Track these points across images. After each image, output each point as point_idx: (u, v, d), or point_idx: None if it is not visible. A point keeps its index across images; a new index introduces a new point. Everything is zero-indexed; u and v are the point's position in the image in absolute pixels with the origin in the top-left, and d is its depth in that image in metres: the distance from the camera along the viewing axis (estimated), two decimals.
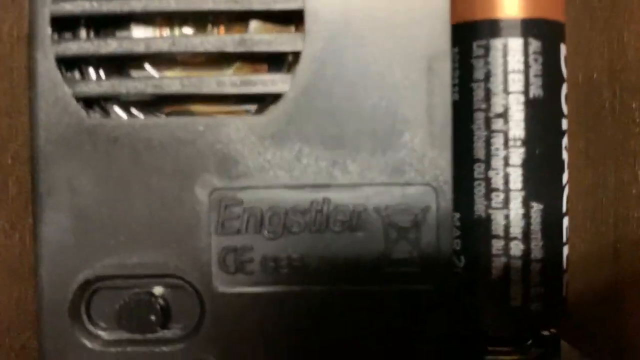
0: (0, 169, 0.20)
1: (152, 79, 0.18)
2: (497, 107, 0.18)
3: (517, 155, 0.18)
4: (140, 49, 0.17)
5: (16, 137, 0.21)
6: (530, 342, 0.20)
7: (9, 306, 0.21)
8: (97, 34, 0.18)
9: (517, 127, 0.18)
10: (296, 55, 0.17)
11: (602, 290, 0.24)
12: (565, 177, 0.19)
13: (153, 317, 0.18)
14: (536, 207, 0.18)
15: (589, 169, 0.25)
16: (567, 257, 0.19)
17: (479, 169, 0.18)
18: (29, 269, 0.22)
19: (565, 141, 0.19)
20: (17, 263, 0.21)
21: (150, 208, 0.17)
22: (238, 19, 0.18)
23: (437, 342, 0.17)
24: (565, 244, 0.19)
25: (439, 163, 0.17)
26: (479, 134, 0.18)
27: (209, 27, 0.18)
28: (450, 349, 0.17)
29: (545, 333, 0.20)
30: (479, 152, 0.18)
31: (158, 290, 0.18)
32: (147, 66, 0.18)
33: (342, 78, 0.17)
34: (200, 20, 0.18)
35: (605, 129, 0.23)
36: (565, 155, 0.19)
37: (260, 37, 0.17)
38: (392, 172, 0.17)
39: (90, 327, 0.18)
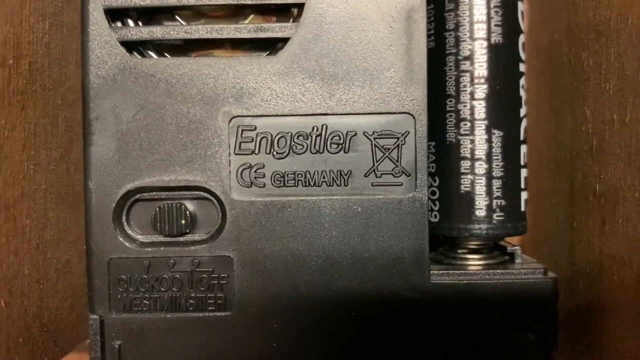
0: (52, 108, 0.24)
1: (183, 26, 0.22)
2: (465, 51, 0.22)
3: (481, 90, 0.22)
4: (173, 1, 0.21)
5: (65, 82, 0.25)
6: (494, 250, 0.23)
7: (57, 225, 0.24)
8: None
9: (480, 67, 0.22)
10: (300, 7, 0.21)
11: (560, 216, 0.28)
12: (522, 111, 0.23)
13: (183, 222, 0.21)
14: (497, 134, 0.22)
15: (552, 117, 0.29)
16: (526, 178, 0.23)
17: (450, 103, 0.22)
18: (73, 196, 0.26)
19: (522, 81, 0.23)
20: (64, 189, 0.25)
21: (181, 132, 0.21)
22: None
23: (417, 236, 0.21)
24: (523, 167, 0.23)
25: (417, 95, 0.21)
26: (450, 73, 0.22)
27: None
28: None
29: (508, 247, 0.24)
30: (450, 88, 0.22)
31: (187, 201, 0.22)
32: (177, 18, 0.22)
33: (337, 26, 0.21)
34: None
35: (563, 80, 0.27)
36: (522, 93, 0.23)
37: None
38: (378, 103, 0.21)
39: (130, 232, 0.22)
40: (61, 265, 0.24)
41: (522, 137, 0.23)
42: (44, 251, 0.23)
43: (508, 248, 0.24)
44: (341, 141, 0.21)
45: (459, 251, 0.23)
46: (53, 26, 0.24)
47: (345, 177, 0.21)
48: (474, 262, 0.23)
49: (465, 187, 0.22)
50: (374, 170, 0.21)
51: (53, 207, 0.24)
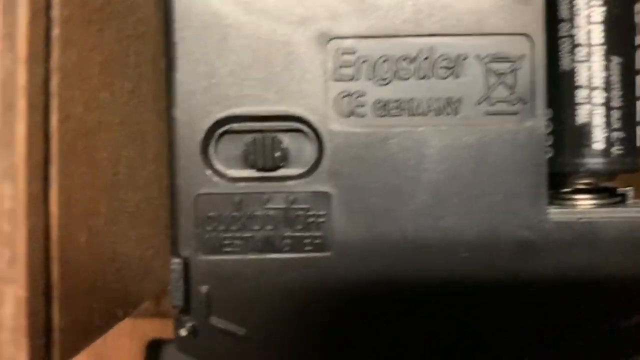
0: (125, 37, 0.22)
1: None
2: None
3: (598, 13, 0.20)
4: None
5: (135, 11, 0.23)
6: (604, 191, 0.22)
7: (128, 165, 0.23)
8: None
9: None
10: None
11: None
12: (637, 40, 0.21)
13: (277, 154, 0.20)
14: (615, 61, 0.20)
15: None
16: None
17: (564, 27, 0.20)
18: (142, 138, 0.24)
19: (638, 7, 0.21)
20: (134, 127, 0.23)
21: (274, 56, 0.19)
22: None
23: (534, 170, 0.19)
24: (638, 99, 0.21)
25: (534, 15, 0.19)
26: None
27: None
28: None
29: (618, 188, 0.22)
30: (564, 12, 0.20)
31: (280, 133, 0.20)
32: None
33: None
34: None
35: None
36: (637, 19, 0.21)
37: None
38: (492, 23, 0.19)
39: (219, 166, 0.20)
40: (131, 209, 0.22)
41: (636, 67, 0.21)
42: (117, 191, 0.21)
43: (618, 189, 0.22)
44: (450, 65, 0.20)
45: (569, 190, 0.21)
46: None
47: (455, 105, 0.20)
48: (586, 202, 0.21)
49: (581, 118, 0.20)
50: (487, 97, 0.20)
51: (125, 144, 0.22)
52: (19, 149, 0.15)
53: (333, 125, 0.19)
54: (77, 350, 0.18)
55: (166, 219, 0.28)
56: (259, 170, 0.20)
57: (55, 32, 0.16)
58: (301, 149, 0.20)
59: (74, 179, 0.18)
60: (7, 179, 0.15)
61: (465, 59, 0.19)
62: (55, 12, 0.16)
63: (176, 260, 0.20)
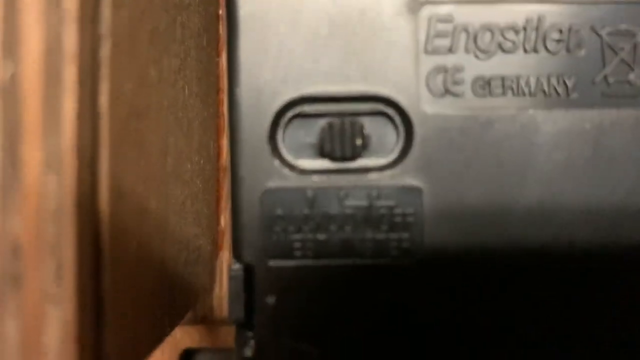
0: (172, 7, 0.19)
1: None
2: None
3: None
4: None
5: None
6: None
7: (175, 156, 0.20)
8: None
9: None
10: None
11: None
12: None
13: (359, 142, 0.17)
14: None
15: None
16: None
17: None
18: (187, 123, 0.21)
19: None
20: (180, 112, 0.20)
21: (353, 26, 0.16)
22: None
23: None
24: None
25: None
26: None
27: None
28: None
29: None
30: None
31: (361, 117, 0.17)
32: None
33: None
34: None
35: None
36: None
37: None
38: None
39: (289, 156, 0.17)
40: (178, 207, 0.19)
41: None
42: (165, 185, 0.18)
43: None
44: (563, 37, 0.16)
45: None
46: None
47: (568, 85, 0.17)
48: None
49: None
50: (605, 76, 0.17)
51: (172, 131, 0.19)
52: (66, 131, 0.12)
53: (425, 106, 0.16)
54: None
55: (207, 216, 0.25)
56: (336, 160, 0.17)
57: None
58: (386, 135, 0.17)
59: (125, 171, 0.15)
60: (51, 170, 0.12)
61: (579, 30, 0.16)
62: None
63: (237, 266, 0.17)
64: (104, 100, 0.13)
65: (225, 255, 0.26)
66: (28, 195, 0.12)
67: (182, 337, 0.28)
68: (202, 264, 0.23)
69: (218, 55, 0.26)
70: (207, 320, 0.27)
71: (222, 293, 0.26)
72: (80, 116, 0.12)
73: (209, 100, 0.24)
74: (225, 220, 0.26)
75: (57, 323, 0.12)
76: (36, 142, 0.12)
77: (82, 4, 0.12)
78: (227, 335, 0.28)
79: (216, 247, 0.26)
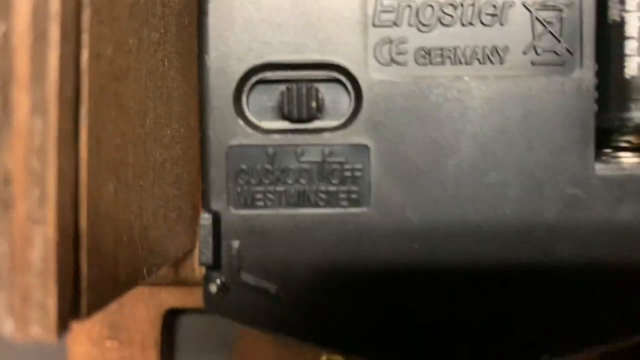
0: None
1: None
2: None
3: None
4: None
5: None
6: None
7: (155, 120, 0.22)
8: None
9: None
10: None
11: None
12: None
13: (314, 104, 0.19)
14: None
15: None
16: None
17: None
18: (167, 93, 0.23)
19: None
20: (160, 81, 0.22)
21: (313, 3, 0.18)
22: None
23: (581, 123, 0.19)
24: None
25: None
26: None
27: None
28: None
29: None
30: None
31: (317, 83, 0.19)
32: None
33: None
34: None
35: None
36: None
37: None
38: None
39: (252, 117, 0.19)
40: (156, 167, 0.22)
41: None
42: (143, 144, 0.20)
43: None
44: (496, 12, 0.19)
45: (615, 147, 0.20)
46: None
47: (501, 54, 0.19)
48: (632, 160, 0.20)
49: (630, 71, 0.19)
50: (534, 46, 0.19)
51: (152, 97, 0.21)
52: (51, 81, 0.14)
53: (373, 74, 0.19)
54: (103, 303, 0.17)
55: (188, 183, 0.27)
56: (294, 122, 0.19)
57: None
58: (337, 99, 0.19)
59: (104, 123, 0.17)
60: (38, 114, 0.14)
61: (511, 6, 0.19)
62: None
63: (206, 215, 0.19)
64: (84, 59, 0.15)
65: None
66: (18, 134, 0.14)
67: (166, 297, 0.30)
68: (182, 224, 0.25)
69: None
70: (189, 282, 0.29)
71: None
72: (63, 70, 0.14)
73: (189, 75, 0.26)
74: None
75: (41, 241, 0.14)
76: (25, 89, 0.14)
77: None
78: None
79: (197, 213, 0.28)
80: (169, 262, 0.24)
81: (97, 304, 0.17)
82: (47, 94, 0.14)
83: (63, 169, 0.15)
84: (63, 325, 0.15)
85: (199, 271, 0.28)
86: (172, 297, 0.30)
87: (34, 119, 0.14)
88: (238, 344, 0.31)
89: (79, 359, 0.30)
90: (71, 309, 0.16)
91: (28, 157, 0.14)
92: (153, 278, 0.29)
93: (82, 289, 0.16)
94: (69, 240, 0.15)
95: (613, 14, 0.20)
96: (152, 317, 0.30)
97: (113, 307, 0.30)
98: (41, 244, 0.14)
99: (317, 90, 0.19)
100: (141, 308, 0.30)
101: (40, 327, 0.14)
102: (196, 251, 0.28)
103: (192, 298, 0.30)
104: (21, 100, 0.14)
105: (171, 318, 0.31)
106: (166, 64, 0.22)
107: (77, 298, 0.16)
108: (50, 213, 0.14)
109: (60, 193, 0.14)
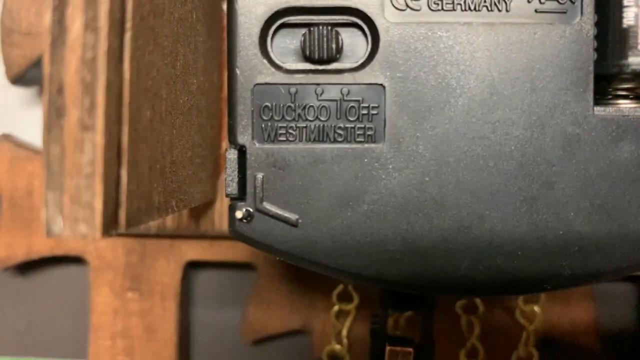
0: None
1: None
2: None
3: None
4: None
5: None
6: None
7: (184, 64, 0.23)
8: None
9: None
10: None
11: None
12: None
13: (334, 46, 0.20)
14: None
15: None
16: None
17: None
18: (195, 44, 0.24)
19: None
20: (189, 31, 0.23)
21: None
22: None
23: (581, 66, 0.20)
24: None
25: None
26: None
27: None
28: None
29: None
30: None
31: (336, 27, 0.20)
32: None
33: None
34: None
35: None
36: None
37: None
38: None
39: (276, 58, 0.20)
40: (185, 110, 0.23)
41: None
42: (174, 84, 0.22)
43: None
44: None
45: (613, 95, 0.22)
46: None
47: (507, 2, 0.20)
48: (629, 105, 0.21)
49: (628, 20, 0.21)
50: None
51: (182, 42, 0.22)
52: (101, 5, 0.16)
53: (389, 18, 0.20)
54: (139, 220, 0.18)
55: (211, 136, 0.28)
56: (314, 62, 0.20)
57: None
58: (356, 43, 0.20)
59: (143, 52, 0.18)
60: (90, 30, 0.16)
61: None
62: None
63: (232, 149, 0.20)
64: None
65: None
66: (71, 48, 0.16)
67: (186, 250, 0.31)
68: (205, 172, 0.27)
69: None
70: (209, 234, 0.30)
71: (222, 208, 0.30)
72: None
73: (214, 34, 0.27)
74: (227, 144, 0.30)
75: (90, 146, 0.16)
76: (79, 8, 0.16)
77: None
78: (227, 249, 0.31)
79: (217, 168, 0.29)
80: (193, 204, 0.25)
81: (133, 219, 0.18)
82: (99, 12, 0.16)
83: (110, 83, 0.16)
84: (106, 226, 0.16)
85: (219, 225, 0.30)
86: (192, 250, 0.31)
87: (87, 34, 0.16)
88: (252, 297, 0.33)
89: (102, 309, 0.32)
90: (112, 216, 0.17)
91: (80, 69, 0.16)
92: (174, 230, 0.30)
93: (122, 200, 0.17)
94: (114, 149, 0.17)
95: None
96: (172, 269, 0.31)
97: (135, 259, 0.31)
98: (90, 149, 0.16)
99: (337, 33, 0.20)
100: (162, 260, 0.31)
101: (87, 225, 0.16)
102: (216, 204, 0.30)
103: (211, 251, 0.31)
104: (75, 17, 0.16)
105: (189, 271, 0.33)
106: (194, 16, 0.24)
107: (116, 209, 0.17)
108: (99, 120, 0.16)
109: (108, 104, 0.16)
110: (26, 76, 0.33)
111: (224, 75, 0.29)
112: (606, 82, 0.21)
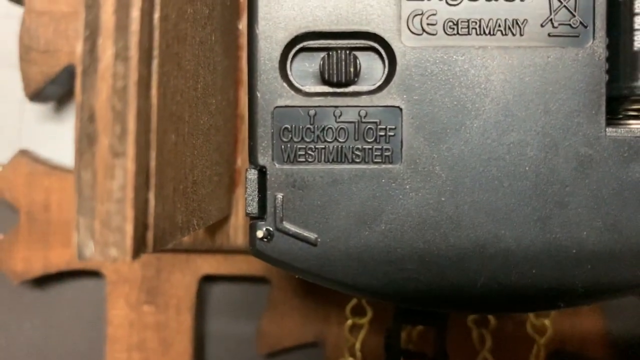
0: None
1: None
2: None
3: None
4: None
5: None
6: None
7: (204, 86, 0.24)
8: None
9: None
10: None
11: None
12: None
13: (352, 70, 0.21)
14: None
15: None
16: None
17: None
18: (213, 65, 0.25)
19: None
20: (209, 52, 0.24)
21: None
22: None
23: (593, 89, 0.21)
24: None
25: None
26: None
27: None
28: None
29: None
30: None
31: (355, 51, 0.21)
32: None
33: None
34: None
35: None
36: None
37: None
38: None
39: (295, 82, 0.21)
40: (205, 130, 0.24)
41: None
42: (196, 106, 0.22)
43: None
44: None
45: (625, 115, 0.22)
46: None
47: (521, 27, 0.21)
48: None
49: (638, 44, 0.21)
50: (551, 19, 0.21)
51: (202, 65, 0.23)
52: (133, 31, 0.16)
53: (406, 42, 0.21)
54: (165, 242, 0.19)
55: (227, 153, 0.29)
56: (333, 86, 0.21)
57: None
58: (373, 66, 0.21)
59: (169, 77, 0.19)
60: (121, 59, 0.16)
61: None
62: None
63: (252, 169, 0.21)
64: (156, 17, 0.18)
65: (240, 192, 0.30)
66: (102, 77, 0.16)
67: (202, 264, 0.32)
68: (222, 189, 0.27)
69: (239, 19, 0.30)
70: (224, 249, 0.31)
71: (237, 223, 0.30)
72: (142, 24, 0.17)
73: (230, 53, 0.28)
74: (241, 160, 0.30)
75: (121, 172, 0.16)
76: (110, 38, 0.16)
77: None
78: (242, 263, 0.32)
79: (233, 183, 0.30)
80: (211, 222, 0.26)
81: (160, 241, 0.19)
82: (130, 42, 0.16)
83: (140, 110, 0.17)
84: (137, 250, 0.17)
85: (234, 239, 0.31)
86: (207, 264, 0.32)
87: (117, 63, 0.16)
88: (266, 310, 0.33)
89: (117, 322, 0.32)
90: (141, 239, 0.18)
91: (111, 97, 0.16)
92: (190, 244, 0.31)
93: (149, 223, 0.18)
94: (144, 174, 0.17)
95: None
96: (188, 283, 0.32)
97: (151, 273, 0.32)
98: (121, 175, 0.16)
99: (355, 57, 0.21)
100: (177, 274, 0.32)
101: (118, 249, 0.16)
102: (231, 218, 0.30)
103: (226, 265, 0.32)
104: (106, 47, 0.16)
105: (205, 285, 0.33)
106: (213, 38, 0.25)
107: (144, 231, 0.18)
108: (130, 147, 0.16)
109: (139, 131, 0.17)
110: (43, 93, 0.33)
111: (240, 92, 0.30)
112: (618, 103, 0.22)
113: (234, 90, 0.29)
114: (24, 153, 0.34)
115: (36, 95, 0.33)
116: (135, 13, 0.16)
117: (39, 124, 0.36)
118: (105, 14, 0.16)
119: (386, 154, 0.21)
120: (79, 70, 0.16)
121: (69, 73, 0.33)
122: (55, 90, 0.34)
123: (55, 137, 0.35)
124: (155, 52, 0.18)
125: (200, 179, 0.23)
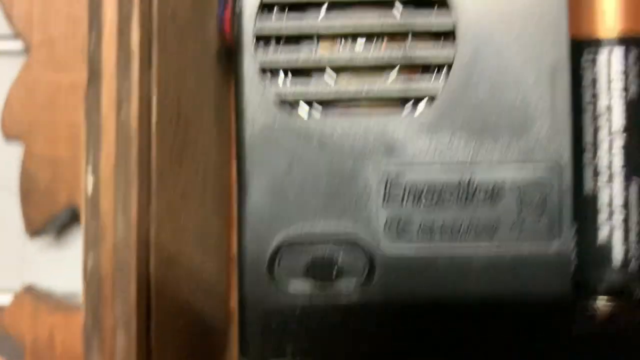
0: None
1: (333, 87, 0.22)
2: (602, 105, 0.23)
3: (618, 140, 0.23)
4: (324, 62, 0.22)
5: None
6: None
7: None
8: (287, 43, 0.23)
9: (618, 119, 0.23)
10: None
11: None
12: None
13: (334, 271, 0.22)
14: (634, 182, 0.23)
15: None
16: None
17: (588, 155, 0.23)
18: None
19: None
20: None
21: (332, 185, 0.22)
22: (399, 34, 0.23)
23: (561, 285, 0.22)
24: None
25: (563, 146, 0.22)
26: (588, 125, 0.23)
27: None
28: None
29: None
30: (588, 140, 0.23)
31: (336, 250, 0.22)
32: (328, 70, 0.23)
33: (485, 83, 0.22)
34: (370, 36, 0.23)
35: None
36: None
37: (420, 52, 0.22)
38: (525, 154, 0.22)
39: (282, 281, 0.22)
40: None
41: None
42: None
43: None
44: (488, 195, 0.22)
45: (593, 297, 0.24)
46: None
47: (492, 230, 0.22)
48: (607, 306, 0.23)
49: (602, 239, 0.23)
50: (521, 222, 0.22)
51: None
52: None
53: (384, 246, 0.22)
54: None
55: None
56: (317, 281, 0.22)
57: None
58: (353, 264, 0.22)
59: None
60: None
61: (502, 188, 0.22)
62: None
63: None
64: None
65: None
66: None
67: None
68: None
69: None
70: None
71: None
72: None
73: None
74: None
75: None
76: (110, 307, 0.18)
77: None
78: None
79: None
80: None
81: None
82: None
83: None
84: None
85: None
86: None
87: (118, 333, 0.18)
88: None
89: None
90: None
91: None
92: None
93: None
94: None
95: (587, 188, 0.23)
96: None
97: None
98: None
99: (337, 259, 0.22)
100: None
101: None
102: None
103: None
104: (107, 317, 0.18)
105: None
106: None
107: None
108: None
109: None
110: (43, 231, 0.35)
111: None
112: (587, 287, 0.23)
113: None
114: (28, 290, 0.35)
115: (37, 234, 0.35)
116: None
117: (40, 256, 0.37)
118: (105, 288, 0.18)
119: None
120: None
121: (69, 212, 0.34)
122: (55, 227, 0.35)
123: (57, 270, 0.37)
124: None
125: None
